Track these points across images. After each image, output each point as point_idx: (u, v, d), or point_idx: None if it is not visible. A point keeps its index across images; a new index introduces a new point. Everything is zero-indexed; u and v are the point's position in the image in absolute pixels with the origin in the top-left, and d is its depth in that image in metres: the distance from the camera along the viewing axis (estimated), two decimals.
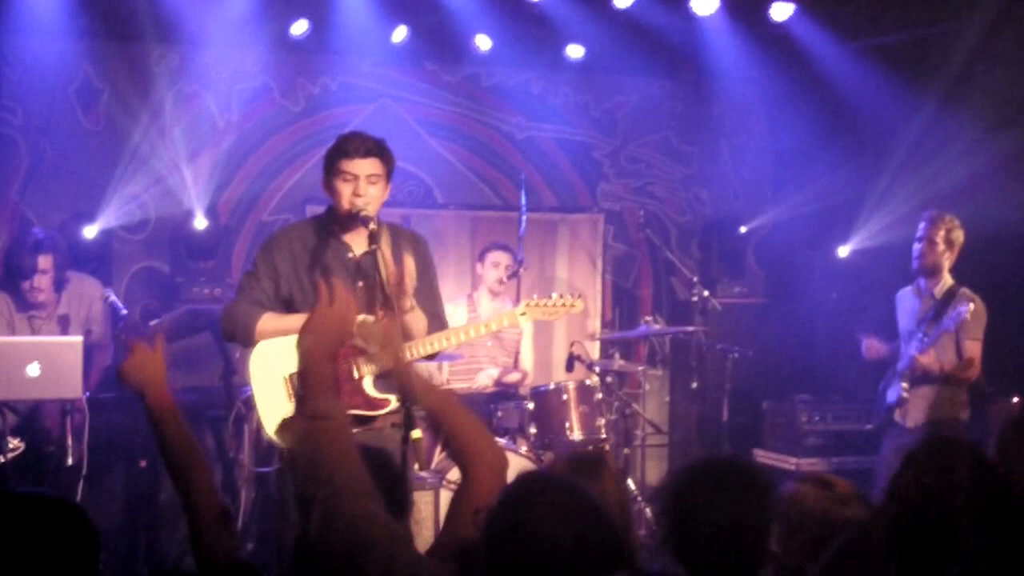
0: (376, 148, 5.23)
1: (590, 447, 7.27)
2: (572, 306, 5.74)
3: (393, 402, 5.14)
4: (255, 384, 5.18)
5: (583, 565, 2.70)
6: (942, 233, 7.14)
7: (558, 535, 2.71)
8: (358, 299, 5.19)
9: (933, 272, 7.21)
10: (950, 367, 7.06)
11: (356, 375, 5.17)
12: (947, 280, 7.20)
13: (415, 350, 5.27)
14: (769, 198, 9.91)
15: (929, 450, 3.12)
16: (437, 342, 5.41)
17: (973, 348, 7.05)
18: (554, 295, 5.77)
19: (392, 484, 3.53)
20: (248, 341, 5.21)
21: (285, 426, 4.70)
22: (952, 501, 2.91)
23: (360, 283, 5.23)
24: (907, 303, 7.38)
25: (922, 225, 7.20)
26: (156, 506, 7.61)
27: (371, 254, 4.97)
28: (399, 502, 3.52)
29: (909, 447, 3.42)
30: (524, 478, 2.97)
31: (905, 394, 7.14)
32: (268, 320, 5.18)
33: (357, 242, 5.29)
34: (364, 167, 5.17)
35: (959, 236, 7.17)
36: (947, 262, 7.18)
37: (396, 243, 5.35)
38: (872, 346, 7.48)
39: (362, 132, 5.35)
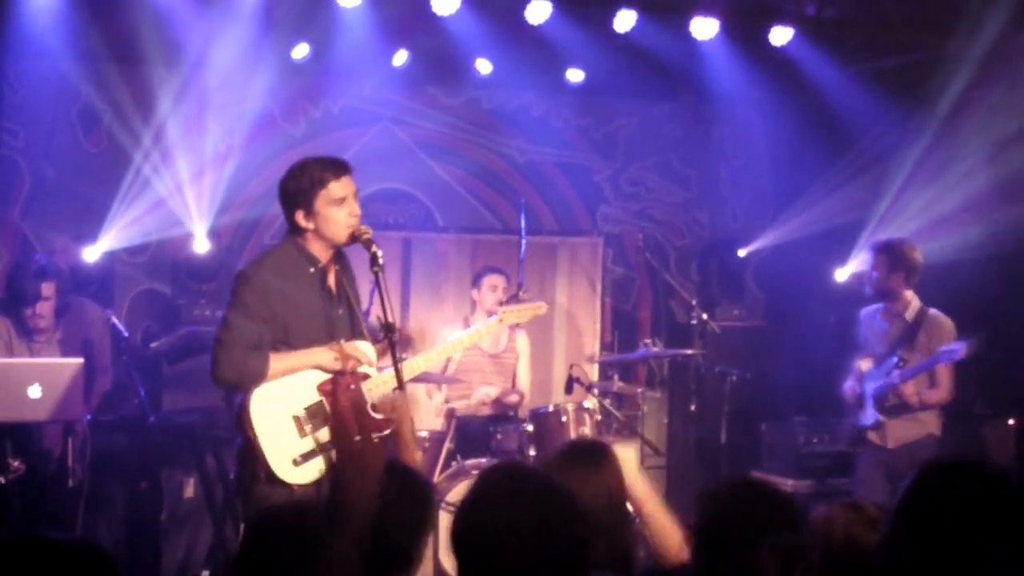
0: (348, 164, 5.14)
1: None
2: (539, 307, 6.31)
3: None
4: (260, 428, 4.90)
5: (548, 558, 2.74)
6: (882, 258, 7.25)
7: (521, 527, 2.76)
8: (343, 325, 5.19)
9: (888, 296, 7.32)
10: (928, 397, 7.15)
11: (361, 401, 5.08)
12: (913, 302, 7.29)
13: (410, 368, 5.32)
14: (768, 221, 9.92)
15: (942, 473, 3.10)
16: (428, 360, 5.53)
17: (945, 372, 7.13)
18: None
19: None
20: (255, 387, 4.95)
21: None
22: (973, 524, 2.91)
23: (341, 310, 5.18)
24: (876, 325, 7.44)
25: (869, 255, 7.37)
26: (157, 527, 7.62)
27: (375, 277, 4.91)
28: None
29: (915, 469, 3.39)
30: (491, 471, 3.02)
31: (882, 418, 7.20)
32: (275, 363, 4.95)
33: (329, 268, 5.17)
34: (350, 184, 5.07)
35: (908, 258, 7.26)
36: (898, 285, 7.26)
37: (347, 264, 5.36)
38: (852, 388, 7.47)
39: (316, 155, 5.19)
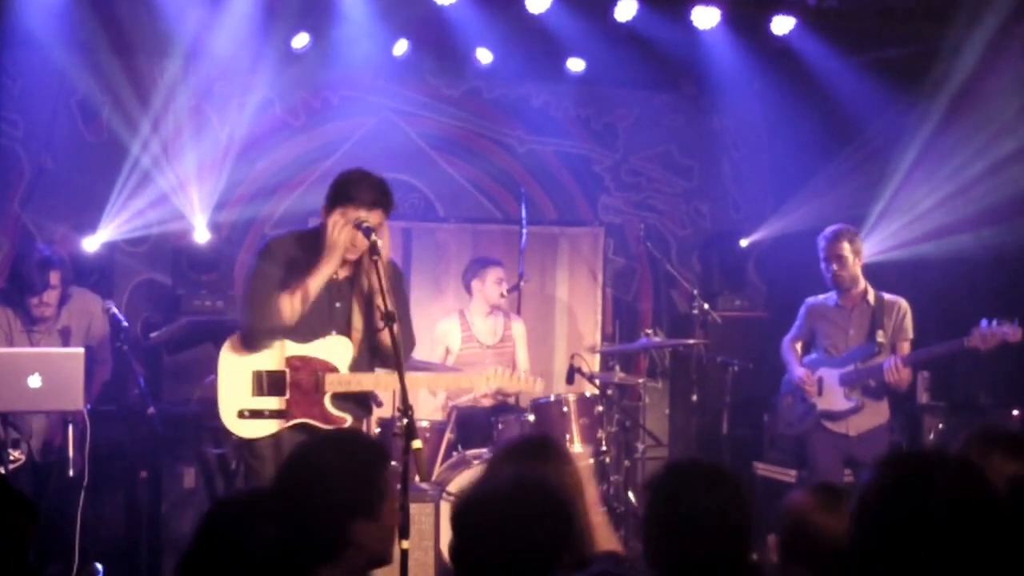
0: (384, 199, 5.37)
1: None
2: (532, 385, 6.29)
3: (350, 420, 5.37)
4: (222, 373, 5.32)
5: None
6: (846, 245, 7.25)
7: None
8: (337, 319, 5.38)
9: (853, 284, 7.31)
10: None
11: (319, 390, 5.33)
12: (867, 286, 7.34)
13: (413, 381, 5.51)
14: (770, 212, 9.91)
15: (902, 465, 3.08)
16: (419, 381, 5.96)
17: (908, 349, 7.25)
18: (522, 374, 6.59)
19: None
20: (284, 329, 5.28)
21: None
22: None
23: (338, 304, 5.37)
24: (831, 313, 7.45)
25: (823, 245, 7.31)
26: (157, 517, 7.61)
27: (372, 264, 5.02)
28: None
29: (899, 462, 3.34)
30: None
31: (860, 403, 7.18)
32: (291, 299, 5.25)
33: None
34: (374, 217, 5.28)
35: (861, 244, 7.36)
36: (859, 270, 7.31)
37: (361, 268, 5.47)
38: (808, 380, 7.44)
39: (368, 175, 5.45)
